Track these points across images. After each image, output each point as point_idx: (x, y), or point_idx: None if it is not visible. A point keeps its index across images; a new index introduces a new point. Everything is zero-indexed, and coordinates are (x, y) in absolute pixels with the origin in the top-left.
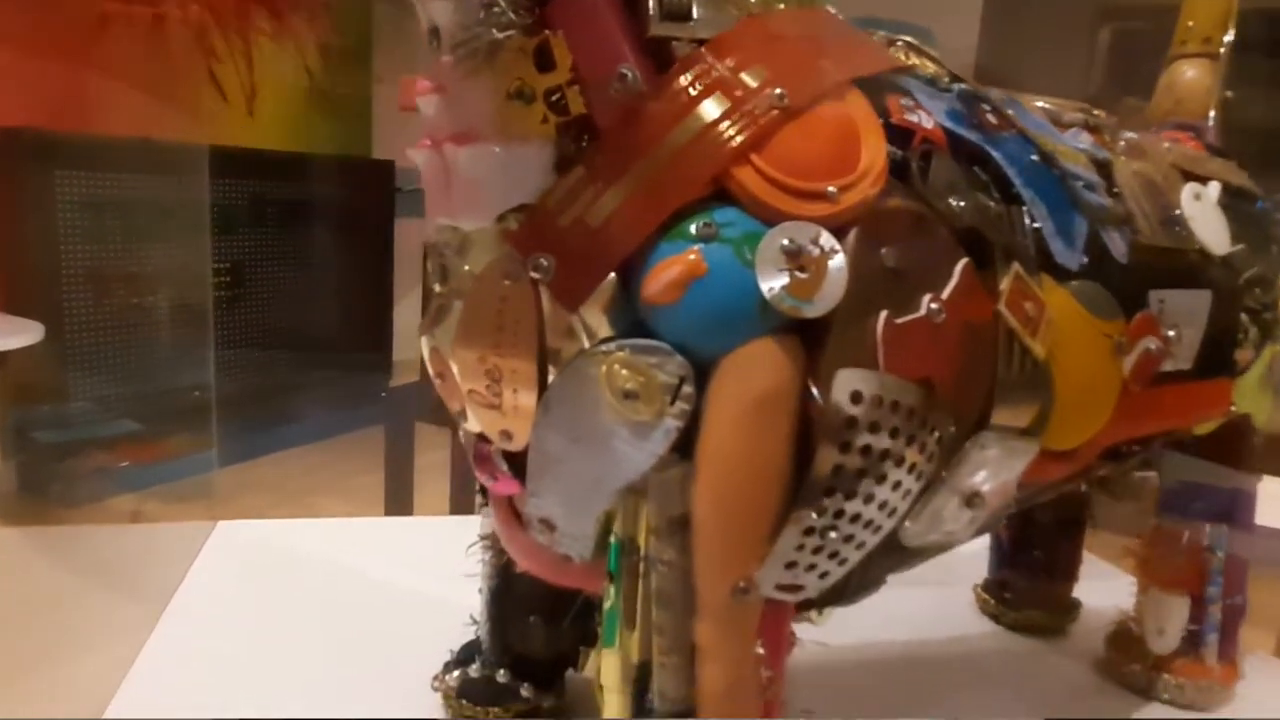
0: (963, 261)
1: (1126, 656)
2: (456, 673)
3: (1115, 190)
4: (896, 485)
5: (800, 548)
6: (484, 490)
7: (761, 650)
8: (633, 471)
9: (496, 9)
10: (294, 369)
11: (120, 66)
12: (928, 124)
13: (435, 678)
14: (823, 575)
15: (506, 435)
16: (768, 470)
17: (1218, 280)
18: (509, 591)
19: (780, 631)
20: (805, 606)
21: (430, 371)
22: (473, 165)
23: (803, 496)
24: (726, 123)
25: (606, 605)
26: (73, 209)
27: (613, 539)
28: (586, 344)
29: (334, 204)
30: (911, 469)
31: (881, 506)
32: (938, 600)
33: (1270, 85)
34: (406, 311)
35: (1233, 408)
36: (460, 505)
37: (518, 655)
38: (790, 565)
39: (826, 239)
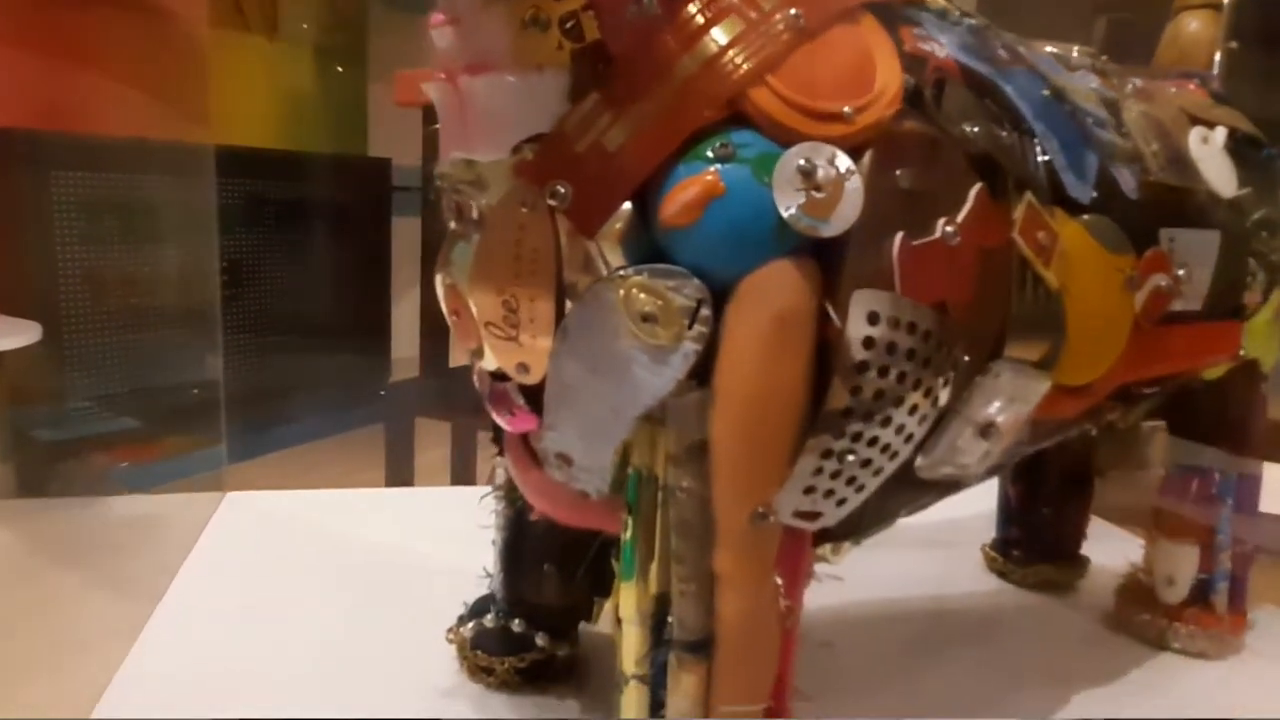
0: (977, 186)
1: (1136, 607)
2: (471, 624)
3: (1124, 129)
4: (913, 409)
5: (818, 472)
6: (498, 438)
7: (779, 580)
8: (651, 397)
9: None
10: (291, 368)
11: (117, 65)
12: (940, 53)
13: (449, 630)
14: (840, 502)
15: (524, 368)
16: (786, 392)
17: (1226, 221)
18: (522, 542)
19: (798, 561)
20: (821, 540)
21: (445, 311)
22: (488, 95)
23: (821, 420)
24: (742, 45)
25: (625, 537)
26: (70, 210)
27: (630, 470)
28: (604, 272)
29: (330, 202)
30: (927, 393)
31: (899, 431)
32: (946, 560)
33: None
34: (404, 309)
35: (1241, 351)
36: (461, 474)
37: (532, 605)
38: (808, 491)
39: (842, 160)
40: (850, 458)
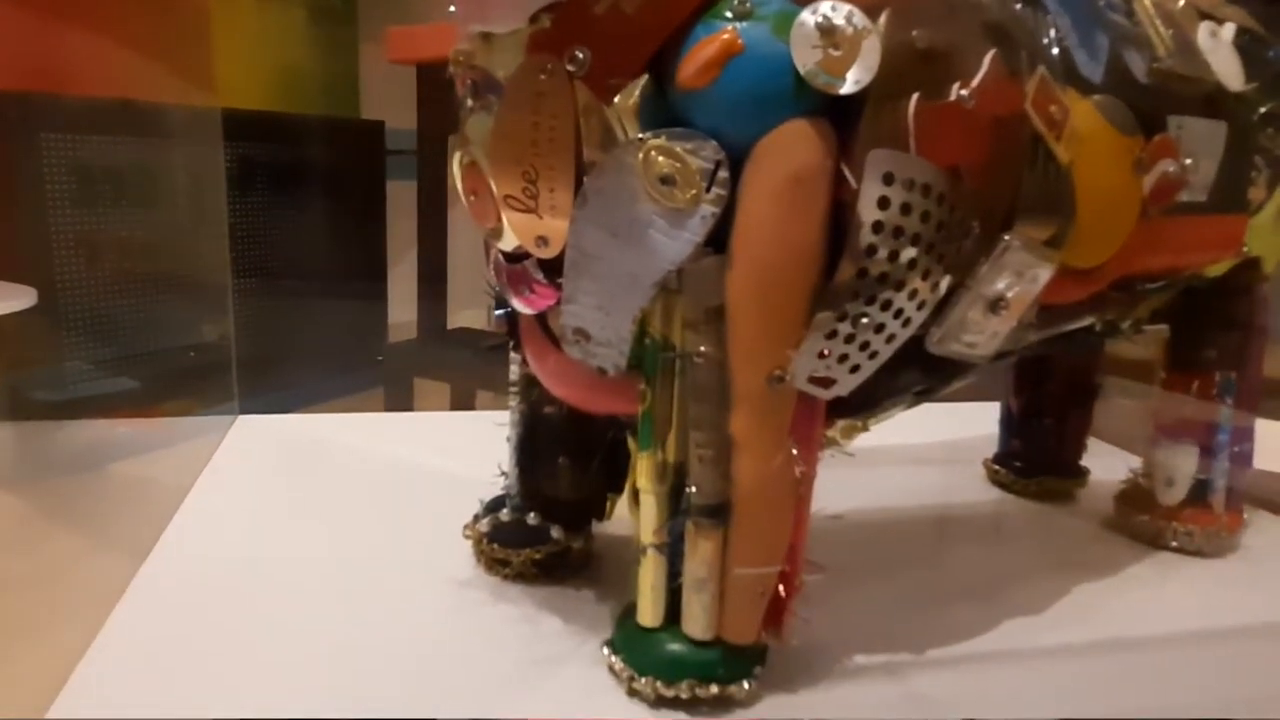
0: (991, 53)
1: (1136, 509)
2: (487, 519)
3: (1134, 16)
4: (926, 274)
5: (833, 335)
6: (513, 331)
7: (794, 447)
8: (669, 262)
9: None
10: (287, 332)
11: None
12: None
13: (465, 526)
14: (854, 369)
15: (543, 241)
16: (802, 253)
17: (1233, 113)
18: (537, 437)
19: (813, 428)
20: (832, 413)
21: (461, 192)
22: None
23: (835, 283)
24: None
25: (641, 409)
26: (62, 173)
27: (647, 341)
28: (623, 139)
29: (323, 166)
30: (940, 259)
31: (911, 295)
32: (948, 474)
33: None
34: (400, 273)
35: (1245, 248)
36: (460, 399)
37: (546, 499)
38: (823, 355)
39: (859, 17)
40: (864, 320)
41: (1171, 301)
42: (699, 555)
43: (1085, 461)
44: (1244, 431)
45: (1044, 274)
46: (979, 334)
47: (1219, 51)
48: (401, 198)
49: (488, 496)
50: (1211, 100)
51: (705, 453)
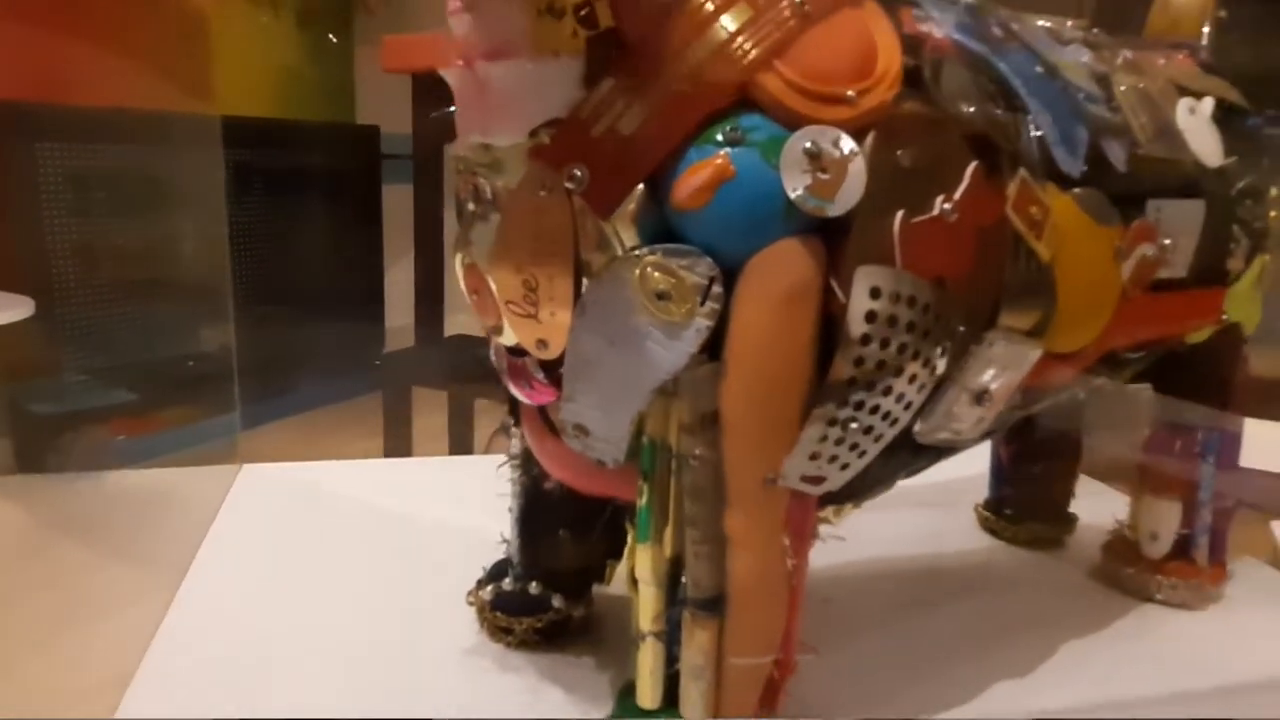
0: (973, 164)
1: (1122, 562)
2: (490, 587)
3: (1113, 103)
4: (913, 379)
5: (824, 439)
6: (513, 410)
7: (787, 540)
8: (665, 371)
9: None
10: (285, 338)
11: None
12: (938, 33)
13: (469, 593)
14: (844, 467)
15: (543, 344)
16: (794, 362)
17: (1211, 191)
18: (537, 509)
19: (804, 523)
20: (825, 502)
21: (464, 289)
22: (506, 80)
23: (826, 389)
24: (750, 32)
25: (640, 504)
26: (59, 182)
27: (645, 439)
28: (620, 252)
29: (319, 171)
30: (926, 363)
31: (899, 399)
32: (941, 520)
33: None
34: (397, 278)
35: (1224, 316)
36: (460, 444)
37: (547, 569)
38: (814, 456)
39: (846, 142)
40: (854, 425)
41: (1155, 363)
42: (695, 644)
43: (1077, 500)
44: (1229, 486)
45: (1027, 363)
46: (965, 422)
47: (1197, 129)
48: (398, 201)
49: (492, 555)
50: (1189, 179)
51: (701, 549)
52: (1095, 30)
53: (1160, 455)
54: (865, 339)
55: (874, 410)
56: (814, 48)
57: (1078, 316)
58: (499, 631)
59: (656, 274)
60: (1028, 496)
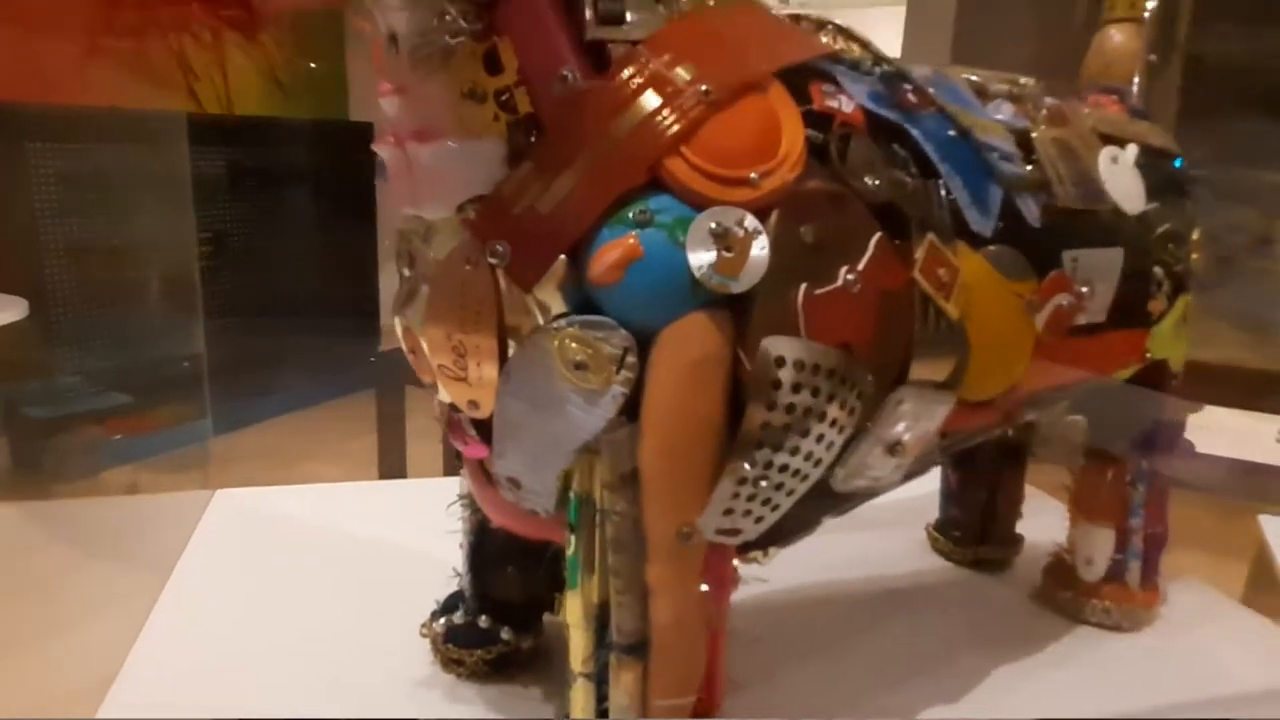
0: (876, 235)
1: (1059, 585)
2: (442, 620)
3: (1034, 157)
4: (820, 438)
5: (735, 496)
6: (459, 457)
7: (706, 588)
8: (585, 434)
9: (448, 17)
10: (281, 336)
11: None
12: (848, 108)
13: (423, 625)
14: (758, 520)
15: (474, 404)
16: (704, 427)
17: (1130, 238)
18: (487, 545)
19: (723, 571)
20: (746, 548)
21: (404, 347)
22: (433, 160)
23: (736, 451)
24: (658, 118)
25: (569, 553)
26: (48, 182)
27: (572, 495)
28: (541, 320)
29: (314, 169)
30: (834, 424)
31: (807, 458)
32: (892, 540)
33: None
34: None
35: (1148, 355)
36: (453, 466)
37: (497, 602)
38: (728, 512)
39: (750, 221)
40: (763, 483)
41: (1086, 396)
42: (621, 686)
43: (1031, 518)
44: (1159, 513)
45: (940, 413)
46: (882, 470)
47: (1119, 177)
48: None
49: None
50: (1108, 228)
51: (624, 598)
52: (1023, 81)
53: (1093, 484)
54: (771, 405)
55: (783, 469)
56: (718, 133)
57: (990, 367)
58: (451, 663)
59: (574, 345)
60: (974, 520)
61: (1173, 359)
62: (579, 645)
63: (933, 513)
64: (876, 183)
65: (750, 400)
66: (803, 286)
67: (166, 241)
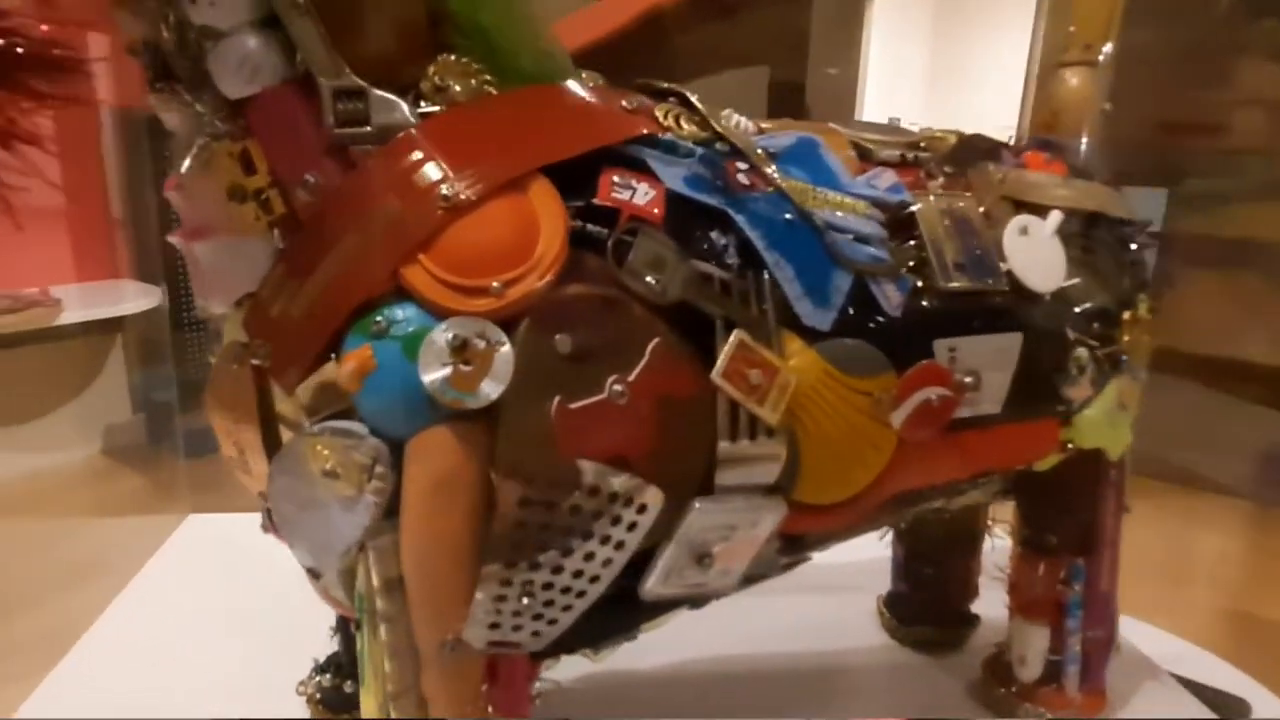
0: (654, 341)
1: (997, 680)
2: (315, 680)
3: (913, 234)
4: (589, 555)
5: (498, 611)
6: None
7: (490, 701)
8: (349, 539)
9: (205, 118)
10: None
11: None
12: (643, 199)
13: (300, 683)
14: (534, 633)
15: (264, 496)
16: (452, 544)
17: (1037, 319)
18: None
19: (513, 680)
20: (551, 651)
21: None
22: (205, 257)
23: (486, 573)
24: (399, 223)
25: (359, 649)
26: None
27: (356, 593)
28: (306, 422)
29: None
30: (605, 540)
31: (577, 575)
32: (845, 608)
33: None
34: None
35: (1070, 444)
36: None
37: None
38: (494, 625)
39: (493, 331)
40: (526, 600)
41: (1016, 481)
42: None
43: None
44: (1101, 615)
45: (768, 520)
46: (701, 578)
47: (1029, 250)
48: None
49: None
50: (1003, 310)
51: (397, 704)
52: (925, 142)
53: (1027, 577)
54: (520, 524)
55: (548, 586)
56: (460, 240)
57: (830, 470)
58: None
59: (325, 452)
60: (920, 598)
61: (1110, 447)
62: None
63: (887, 581)
64: (660, 282)
65: (499, 518)
66: (556, 399)
67: None
